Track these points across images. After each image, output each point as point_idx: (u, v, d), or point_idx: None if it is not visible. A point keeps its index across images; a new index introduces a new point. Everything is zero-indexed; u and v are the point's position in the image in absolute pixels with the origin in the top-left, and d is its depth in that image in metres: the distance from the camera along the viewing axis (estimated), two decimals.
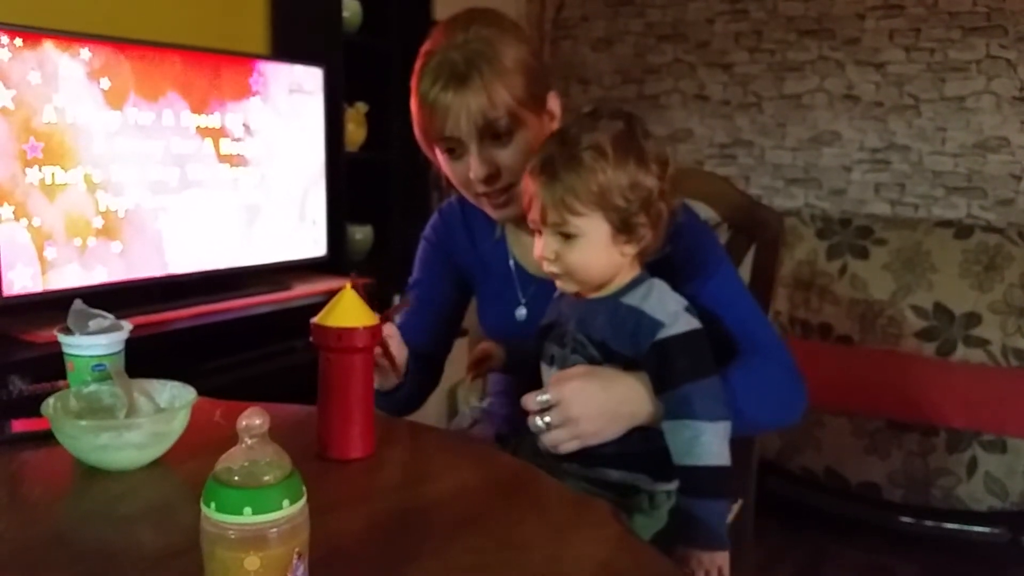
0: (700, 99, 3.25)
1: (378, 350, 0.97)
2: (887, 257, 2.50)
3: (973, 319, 2.35)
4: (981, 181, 2.77)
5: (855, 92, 2.95)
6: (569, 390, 0.92)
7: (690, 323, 0.94)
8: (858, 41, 2.93)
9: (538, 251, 0.97)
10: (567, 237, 0.93)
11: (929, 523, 2.31)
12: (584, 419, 0.92)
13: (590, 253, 0.94)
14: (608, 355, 0.96)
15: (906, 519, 2.34)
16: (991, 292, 2.35)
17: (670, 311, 0.94)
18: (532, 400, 0.93)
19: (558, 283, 0.99)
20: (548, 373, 1.01)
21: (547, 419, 0.92)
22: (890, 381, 2.38)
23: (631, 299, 0.96)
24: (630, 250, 0.95)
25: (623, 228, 0.93)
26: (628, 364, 0.96)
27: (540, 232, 0.96)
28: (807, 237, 2.62)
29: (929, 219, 2.75)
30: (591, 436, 0.93)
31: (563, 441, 0.93)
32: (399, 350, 1.02)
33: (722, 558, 0.91)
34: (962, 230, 2.47)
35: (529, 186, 0.95)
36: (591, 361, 0.97)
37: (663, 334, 0.93)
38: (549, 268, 0.96)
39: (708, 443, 0.90)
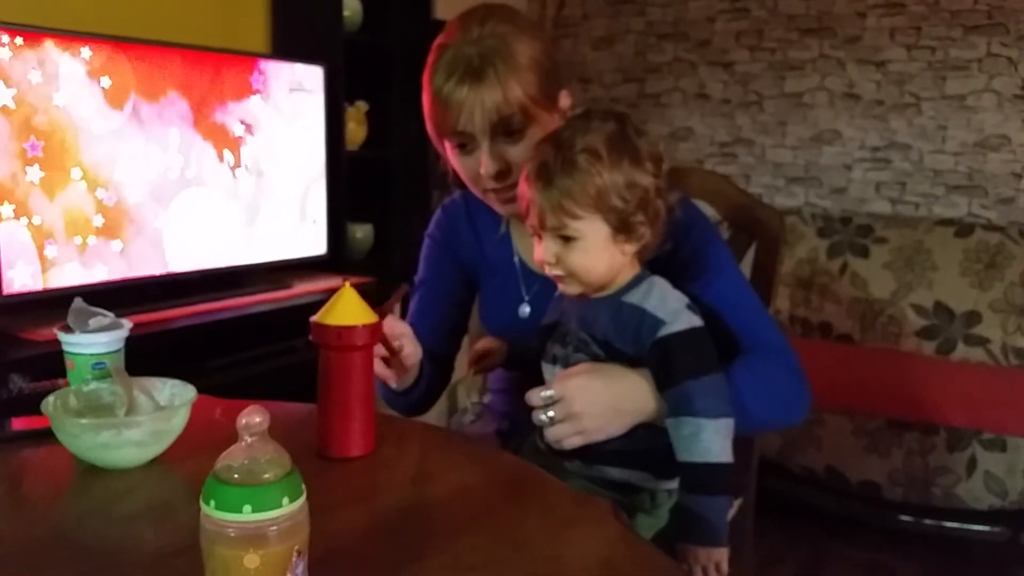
0: (701, 98, 3.25)
1: (381, 350, 0.97)
2: (888, 256, 2.50)
3: (973, 318, 2.35)
4: (982, 180, 2.77)
5: (856, 91, 2.95)
6: (573, 386, 0.93)
7: (691, 321, 0.94)
8: (859, 39, 2.93)
9: (538, 255, 0.97)
10: (567, 240, 0.94)
11: (929, 522, 2.31)
12: (587, 415, 0.92)
13: (591, 255, 0.94)
14: (611, 353, 0.97)
15: (906, 518, 2.34)
16: (991, 291, 2.35)
17: (671, 309, 0.94)
18: (536, 395, 0.94)
19: (561, 286, 0.99)
20: (550, 372, 1.02)
21: (551, 414, 0.93)
22: (890, 380, 2.37)
23: (632, 297, 0.96)
24: (630, 249, 0.96)
25: (622, 228, 0.93)
26: (631, 362, 0.96)
27: (539, 236, 0.96)
28: (807, 236, 2.62)
29: (930, 218, 2.75)
30: (595, 432, 0.93)
31: (566, 436, 0.93)
32: (413, 348, 1.01)
33: (720, 554, 0.92)
34: (963, 229, 2.47)
35: (526, 192, 0.96)
36: (594, 359, 0.97)
37: (664, 332, 0.93)
38: (552, 271, 0.97)
39: (708, 440, 0.91)
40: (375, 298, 0.92)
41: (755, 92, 3.14)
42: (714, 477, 0.91)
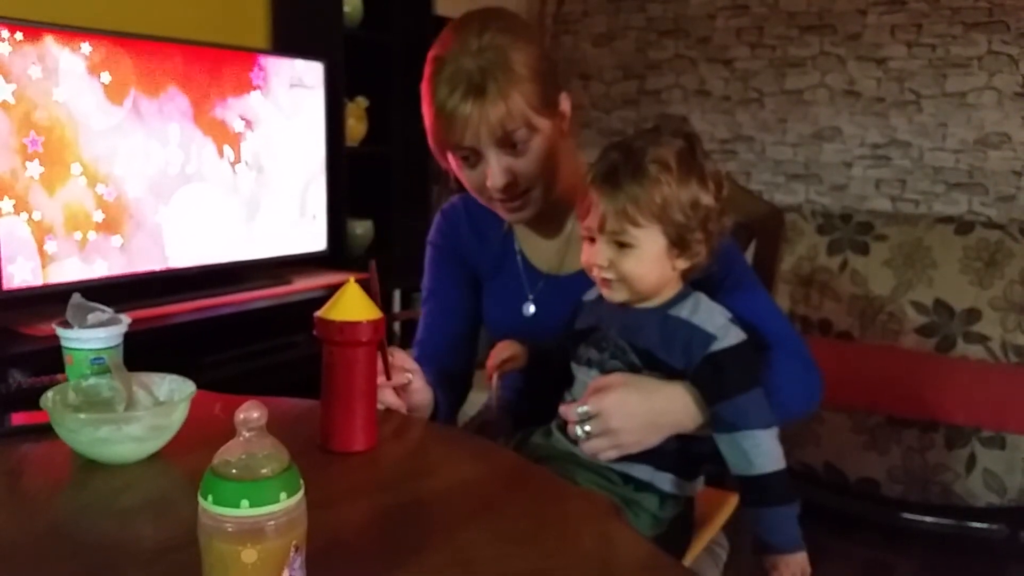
0: (701, 94, 3.25)
1: (393, 380, 0.98)
2: (887, 253, 2.50)
3: (973, 315, 2.35)
4: (982, 177, 2.77)
5: (856, 88, 2.95)
6: (609, 401, 0.93)
7: (738, 335, 0.95)
8: (859, 37, 2.93)
9: (586, 257, 0.98)
10: (622, 246, 0.94)
11: (928, 519, 2.31)
12: (624, 430, 0.92)
13: (643, 264, 0.94)
14: (651, 363, 0.97)
15: (905, 515, 2.34)
16: (991, 288, 2.35)
17: (719, 324, 0.95)
18: (572, 411, 0.94)
19: (605, 291, 0.99)
20: (585, 374, 1.02)
21: (587, 428, 0.93)
22: (890, 377, 2.37)
23: (680, 311, 0.96)
24: (681, 264, 0.96)
25: (678, 243, 0.94)
26: (670, 374, 0.96)
27: (592, 240, 0.97)
28: (808, 233, 2.62)
29: (930, 215, 2.75)
30: (631, 446, 0.94)
31: (603, 450, 0.94)
32: (422, 385, 1.03)
33: (803, 558, 0.94)
34: (963, 226, 2.47)
35: (589, 194, 0.96)
36: (630, 367, 0.97)
37: (716, 347, 0.94)
38: (601, 274, 0.97)
39: (768, 450, 0.92)
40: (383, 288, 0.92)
41: (755, 89, 3.13)
42: (781, 484, 0.93)
